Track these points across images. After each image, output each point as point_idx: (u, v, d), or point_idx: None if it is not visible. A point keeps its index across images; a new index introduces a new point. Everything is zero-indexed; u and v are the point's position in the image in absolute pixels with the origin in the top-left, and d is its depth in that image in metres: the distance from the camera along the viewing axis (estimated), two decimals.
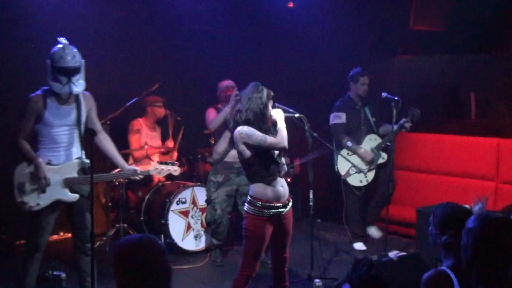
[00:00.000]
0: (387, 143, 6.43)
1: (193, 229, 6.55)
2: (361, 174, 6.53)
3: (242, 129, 4.23)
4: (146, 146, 6.80)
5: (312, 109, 6.94)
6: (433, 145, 7.31)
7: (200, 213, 6.58)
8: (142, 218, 6.64)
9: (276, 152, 4.35)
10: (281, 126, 4.32)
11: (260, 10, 8.27)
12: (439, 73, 7.84)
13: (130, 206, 6.85)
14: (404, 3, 7.61)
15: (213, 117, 6.15)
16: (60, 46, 4.76)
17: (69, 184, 4.77)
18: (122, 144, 7.12)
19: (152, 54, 7.97)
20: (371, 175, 6.62)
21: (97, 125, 5.08)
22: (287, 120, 4.48)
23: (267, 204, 4.24)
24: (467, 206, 3.12)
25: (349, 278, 2.64)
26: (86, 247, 4.74)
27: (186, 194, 6.51)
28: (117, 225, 6.60)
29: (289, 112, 4.78)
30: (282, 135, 4.29)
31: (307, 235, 4.71)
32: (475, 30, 7.14)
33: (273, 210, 4.27)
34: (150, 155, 6.91)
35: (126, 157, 7.15)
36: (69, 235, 6.95)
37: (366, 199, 6.82)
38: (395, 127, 6.28)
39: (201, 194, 6.56)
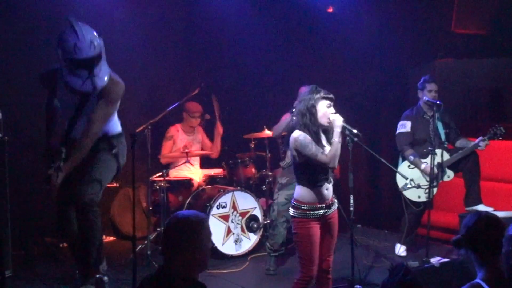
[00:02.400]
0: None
1: (233, 233, 6.56)
2: (420, 189, 6.23)
3: (298, 138, 4.21)
4: (186, 150, 6.87)
5: (354, 113, 6.90)
6: (477, 150, 7.18)
7: (240, 217, 6.60)
8: None
9: None
10: (336, 140, 4.23)
11: (300, 15, 8.27)
12: (481, 76, 7.71)
13: (171, 210, 6.89)
14: (445, 6, 7.52)
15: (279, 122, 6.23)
16: (69, 30, 3.96)
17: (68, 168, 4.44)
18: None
19: (193, 58, 8.05)
20: (432, 191, 6.12)
21: (97, 112, 4.47)
22: (343, 131, 4.32)
23: (311, 205, 4.26)
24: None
25: (384, 284, 2.63)
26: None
27: (226, 199, 6.54)
28: (158, 229, 6.65)
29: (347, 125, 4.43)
30: (333, 153, 4.21)
31: (347, 240, 4.70)
32: None
33: (318, 211, 4.28)
34: (190, 159, 6.98)
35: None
36: (111, 238, 7.10)
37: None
38: (471, 144, 6.13)
39: (241, 199, 6.58)
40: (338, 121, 4.25)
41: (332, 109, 4.30)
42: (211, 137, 7.53)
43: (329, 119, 4.26)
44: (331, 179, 4.40)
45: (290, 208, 4.37)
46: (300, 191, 4.31)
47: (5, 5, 6.41)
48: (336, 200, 4.47)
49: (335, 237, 4.49)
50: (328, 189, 4.34)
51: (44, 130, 4.60)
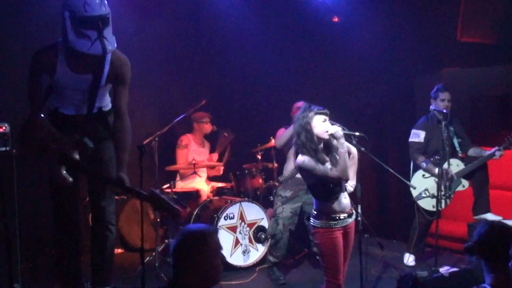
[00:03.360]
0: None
1: (241, 244, 6.55)
2: (435, 199, 6.07)
3: (303, 163, 4.22)
4: (193, 162, 6.88)
5: (360, 123, 6.90)
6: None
7: (248, 228, 6.59)
8: None
9: None
10: (341, 151, 4.22)
11: (306, 26, 8.28)
12: (488, 84, 7.69)
13: (178, 221, 6.90)
14: (450, 15, 7.52)
15: (280, 135, 6.26)
16: None
17: (63, 163, 3.88)
18: (170, 160, 7.24)
19: (199, 71, 8.07)
20: (446, 202, 6.18)
21: (122, 103, 4.25)
22: (347, 138, 4.34)
23: (333, 215, 4.28)
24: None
25: None
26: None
27: (233, 210, 6.53)
28: (166, 241, 6.65)
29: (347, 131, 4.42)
30: (343, 166, 4.20)
31: (355, 250, 4.69)
32: None
33: (339, 221, 4.30)
34: (197, 170, 6.98)
35: (174, 174, 7.25)
36: (119, 250, 7.09)
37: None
38: (486, 153, 6.11)
39: (248, 210, 6.58)
40: (337, 132, 4.24)
41: (327, 123, 4.29)
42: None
43: (327, 132, 4.25)
44: (345, 188, 4.40)
45: (312, 219, 4.38)
46: (321, 202, 4.33)
47: (20, 19, 6.46)
48: (354, 211, 4.47)
49: (351, 247, 4.52)
50: (346, 198, 4.37)
51: (31, 110, 4.15)
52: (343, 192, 4.36)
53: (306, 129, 4.24)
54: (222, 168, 7.60)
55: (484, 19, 7.35)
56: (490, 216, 6.08)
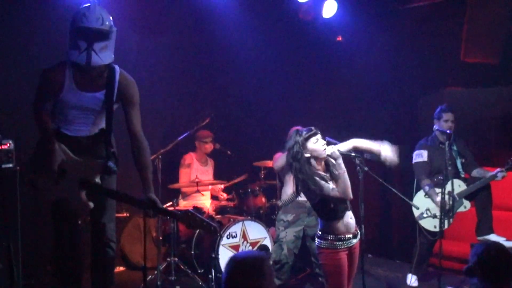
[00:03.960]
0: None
1: None
2: (437, 219, 6.11)
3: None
4: (196, 180, 6.87)
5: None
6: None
7: (250, 247, 6.56)
8: (193, 252, 6.67)
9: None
10: (340, 172, 4.21)
11: (310, 44, 8.32)
12: (491, 105, 7.70)
13: (181, 240, 6.89)
14: (454, 35, 7.55)
15: (277, 158, 6.23)
16: (86, 5, 3.89)
17: (86, 188, 4.00)
18: (174, 179, 7.24)
19: (203, 88, 8.09)
20: (449, 221, 6.16)
21: (135, 124, 4.26)
22: (345, 159, 4.32)
23: (338, 236, 4.27)
24: None
25: None
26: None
27: (236, 228, 6.51)
28: (168, 259, 6.62)
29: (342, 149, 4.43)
30: (343, 186, 4.19)
31: (358, 270, 4.67)
32: None
33: (345, 242, 4.29)
34: (201, 190, 6.97)
35: (177, 192, 7.25)
36: (121, 268, 7.06)
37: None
38: (488, 175, 6.09)
39: (251, 229, 6.56)
40: (334, 153, 4.23)
41: (321, 141, 4.27)
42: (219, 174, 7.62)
43: (325, 150, 4.25)
44: (349, 205, 4.37)
45: (316, 239, 4.38)
46: (326, 222, 4.32)
47: (22, 38, 6.50)
48: (359, 231, 4.45)
49: (356, 268, 4.50)
50: (352, 218, 4.36)
51: (44, 134, 4.11)
52: (348, 211, 4.34)
53: (297, 158, 4.21)
54: (225, 195, 7.60)
55: (488, 40, 7.36)
56: (493, 237, 6.06)
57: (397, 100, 7.75)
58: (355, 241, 4.37)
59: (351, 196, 4.26)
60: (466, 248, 6.09)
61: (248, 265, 2.67)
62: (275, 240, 6.26)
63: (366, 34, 7.87)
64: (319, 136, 4.29)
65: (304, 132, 4.27)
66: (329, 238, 4.27)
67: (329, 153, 4.23)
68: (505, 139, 7.96)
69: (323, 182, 4.20)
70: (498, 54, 7.27)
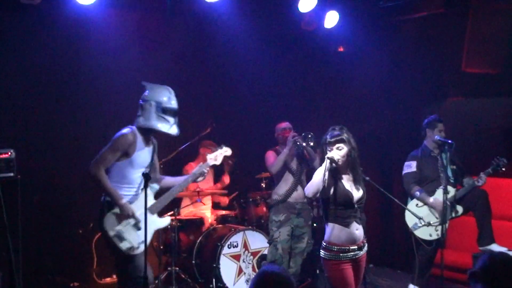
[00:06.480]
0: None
1: (245, 273, 6.52)
2: (431, 227, 6.11)
3: None
4: (198, 189, 6.88)
5: (366, 152, 6.89)
6: (490, 189, 7.13)
7: (251, 257, 6.56)
8: (194, 262, 6.66)
9: (357, 197, 4.34)
10: (318, 171, 4.28)
11: (311, 55, 8.35)
12: (493, 115, 7.70)
13: (182, 249, 6.89)
14: (455, 45, 7.57)
15: (273, 160, 6.20)
16: (163, 87, 4.93)
17: (155, 210, 4.88)
18: None
19: (204, 97, 8.11)
20: (443, 228, 6.02)
21: (158, 165, 5.19)
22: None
23: (343, 247, 4.25)
24: None
25: None
26: None
27: (237, 238, 6.51)
28: (169, 268, 6.62)
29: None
30: (310, 183, 4.31)
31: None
32: None
33: (350, 253, 4.27)
34: (202, 198, 6.98)
35: (178, 201, 7.25)
36: None
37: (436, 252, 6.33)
38: (471, 180, 6.13)
39: (252, 238, 6.56)
40: (333, 158, 4.31)
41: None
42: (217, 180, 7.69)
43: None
44: (360, 218, 4.38)
45: (321, 250, 4.36)
46: (331, 231, 4.30)
47: (24, 53, 6.55)
48: (366, 243, 4.44)
49: (361, 280, 4.47)
50: (358, 230, 4.33)
51: (112, 193, 4.68)
52: (355, 222, 4.32)
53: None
54: (227, 199, 7.60)
55: (489, 50, 7.37)
56: (495, 247, 6.04)
57: (399, 110, 7.75)
58: (361, 253, 4.34)
59: (308, 193, 4.29)
60: (468, 258, 6.08)
61: (277, 283, 2.71)
62: (269, 241, 6.22)
63: (367, 45, 7.88)
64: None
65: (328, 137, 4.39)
66: (334, 249, 4.25)
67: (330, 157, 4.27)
68: (507, 149, 7.96)
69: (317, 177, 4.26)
70: (499, 64, 7.28)
